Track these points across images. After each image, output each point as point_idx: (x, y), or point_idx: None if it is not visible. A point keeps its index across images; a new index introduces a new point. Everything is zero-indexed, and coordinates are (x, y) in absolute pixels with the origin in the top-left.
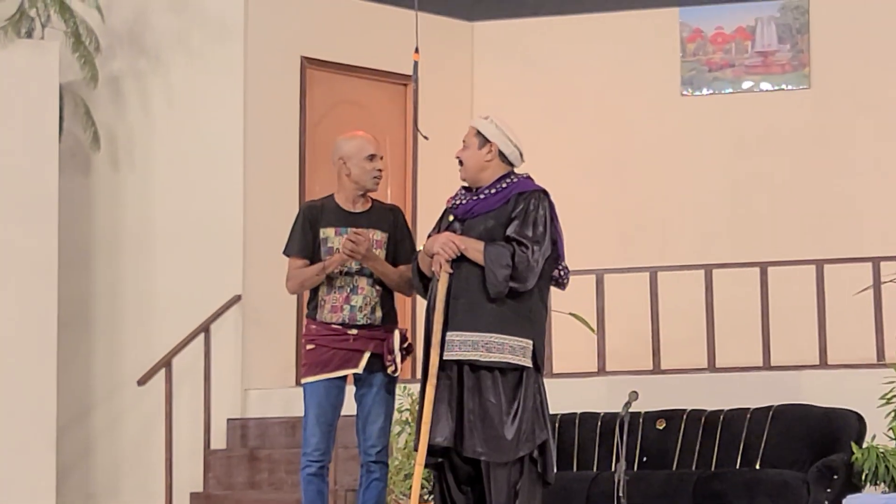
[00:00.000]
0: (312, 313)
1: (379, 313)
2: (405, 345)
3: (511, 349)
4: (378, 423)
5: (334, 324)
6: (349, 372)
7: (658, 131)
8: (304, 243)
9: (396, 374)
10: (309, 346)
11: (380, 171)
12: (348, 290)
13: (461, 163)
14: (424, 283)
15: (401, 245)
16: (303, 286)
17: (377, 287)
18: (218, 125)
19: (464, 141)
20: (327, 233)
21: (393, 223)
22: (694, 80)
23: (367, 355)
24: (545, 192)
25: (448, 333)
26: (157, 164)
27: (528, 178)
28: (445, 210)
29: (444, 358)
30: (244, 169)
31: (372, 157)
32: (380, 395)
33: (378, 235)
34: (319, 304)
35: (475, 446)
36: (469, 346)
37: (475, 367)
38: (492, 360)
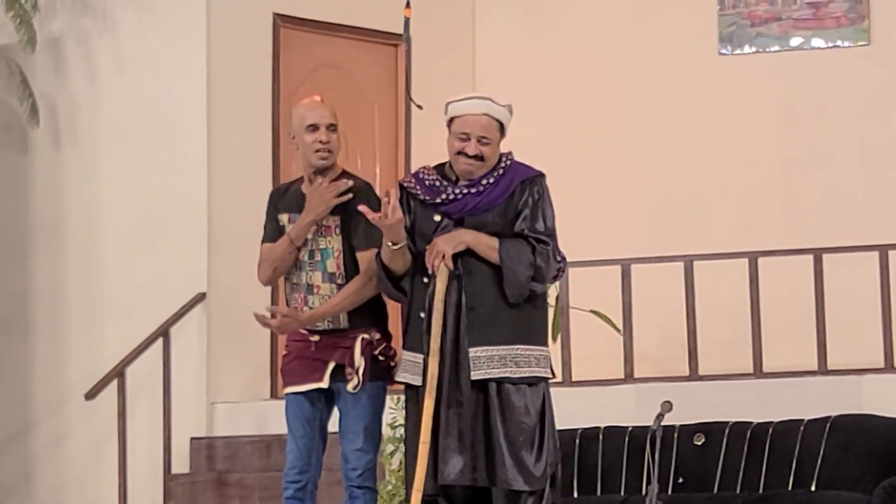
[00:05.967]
0: None
1: (345, 315)
2: (379, 351)
3: (537, 360)
4: (356, 444)
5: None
6: (314, 386)
7: (692, 97)
8: (273, 231)
9: (356, 390)
10: (284, 352)
11: (322, 143)
12: (304, 290)
13: (481, 159)
14: (395, 283)
15: (355, 228)
16: (276, 271)
17: (337, 284)
18: (176, 95)
19: (485, 136)
20: (283, 219)
21: (344, 204)
22: (734, 37)
23: (331, 366)
24: (543, 175)
25: (471, 350)
26: (106, 140)
27: (511, 155)
28: (407, 194)
29: (473, 378)
30: (208, 145)
31: (313, 128)
32: (356, 410)
33: (329, 220)
34: (287, 303)
35: (508, 477)
36: (497, 361)
37: (499, 383)
38: (523, 375)
